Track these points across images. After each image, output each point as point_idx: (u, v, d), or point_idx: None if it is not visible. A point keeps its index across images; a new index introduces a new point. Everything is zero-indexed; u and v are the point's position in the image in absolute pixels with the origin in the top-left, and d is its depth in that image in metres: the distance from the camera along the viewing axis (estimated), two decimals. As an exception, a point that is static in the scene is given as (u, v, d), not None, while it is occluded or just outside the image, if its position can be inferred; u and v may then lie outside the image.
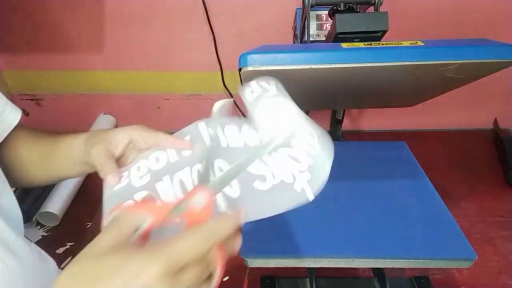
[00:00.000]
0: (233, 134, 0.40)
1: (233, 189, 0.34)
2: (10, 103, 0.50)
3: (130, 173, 0.40)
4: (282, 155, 0.36)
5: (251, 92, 0.41)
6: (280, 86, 0.42)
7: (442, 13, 0.94)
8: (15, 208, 0.46)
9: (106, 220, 0.31)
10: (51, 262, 0.46)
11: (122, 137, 0.43)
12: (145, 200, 0.32)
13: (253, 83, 0.42)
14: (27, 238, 0.44)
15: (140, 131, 0.42)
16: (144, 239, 0.29)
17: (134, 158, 0.43)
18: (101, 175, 0.41)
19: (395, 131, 1.11)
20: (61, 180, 0.54)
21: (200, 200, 0.30)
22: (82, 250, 0.28)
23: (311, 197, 0.34)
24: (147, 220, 0.29)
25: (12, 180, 0.49)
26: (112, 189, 0.39)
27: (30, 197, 0.82)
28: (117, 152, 0.43)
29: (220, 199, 0.33)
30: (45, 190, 0.84)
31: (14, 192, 0.47)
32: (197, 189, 0.31)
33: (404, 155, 0.76)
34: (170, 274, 0.26)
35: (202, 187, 0.31)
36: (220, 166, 0.37)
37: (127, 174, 0.40)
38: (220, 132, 0.40)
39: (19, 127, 0.54)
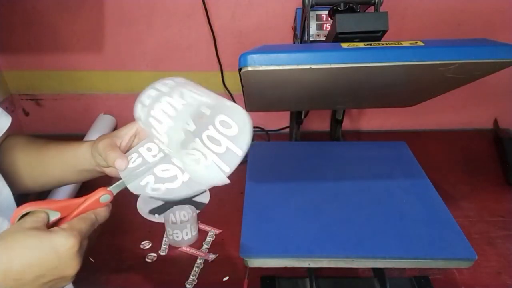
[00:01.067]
0: None
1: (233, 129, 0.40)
2: (0, 109, 0.51)
3: (141, 153, 0.45)
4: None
5: (142, 107, 0.46)
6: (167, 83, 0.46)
7: (442, 13, 0.94)
8: (11, 202, 0.46)
9: (21, 212, 0.37)
10: None
11: (127, 130, 0.46)
12: (53, 200, 0.40)
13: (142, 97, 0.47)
14: None
15: None
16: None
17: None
18: (109, 162, 0.43)
19: (395, 131, 1.11)
20: (59, 186, 0.56)
21: (106, 198, 0.40)
22: (7, 229, 0.35)
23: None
24: (55, 215, 0.37)
25: (14, 186, 0.50)
26: (127, 170, 0.43)
27: (30, 197, 0.82)
28: (123, 144, 0.46)
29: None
30: (45, 190, 0.84)
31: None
32: (101, 190, 0.40)
33: (404, 155, 0.76)
34: (80, 246, 0.35)
35: (105, 189, 0.40)
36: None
37: (137, 156, 0.44)
38: None
39: (15, 135, 0.55)
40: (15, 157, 0.52)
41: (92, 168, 0.49)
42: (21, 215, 0.36)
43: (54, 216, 0.37)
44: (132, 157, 0.44)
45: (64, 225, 0.37)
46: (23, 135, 0.56)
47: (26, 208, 0.36)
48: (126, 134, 0.46)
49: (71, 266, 0.35)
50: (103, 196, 0.39)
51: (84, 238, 0.37)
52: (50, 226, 0.37)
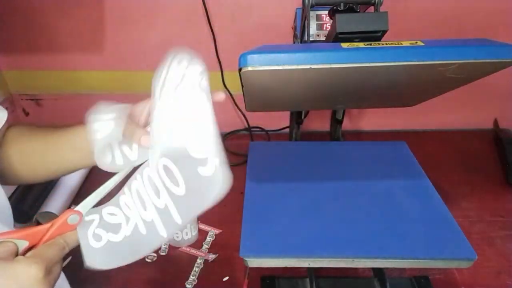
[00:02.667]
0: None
1: (180, 188, 0.37)
2: None
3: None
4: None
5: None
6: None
7: (442, 13, 0.94)
8: (4, 201, 0.46)
9: None
10: None
11: (141, 108, 0.45)
12: (18, 230, 0.37)
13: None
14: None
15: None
16: None
17: None
18: (135, 139, 0.41)
19: (395, 131, 1.11)
20: (71, 171, 0.54)
21: (74, 219, 0.38)
22: None
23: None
24: (23, 244, 0.36)
25: (11, 179, 0.49)
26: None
27: (30, 197, 0.82)
28: (141, 122, 0.44)
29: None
30: (45, 190, 0.84)
31: (14, 192, 0.47)
32: (68, 211, 0.38)
33: (404, 155, 0.76)
34: (46, 275, 0.34)
35: (71, 210, 0.38)
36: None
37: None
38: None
39: (13, 126, 0.54)
40: (17, 148, 0.51)
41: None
42: None
43: (23, 245, 0.36)
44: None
45: (28, 253, 0.35)
46: (25, 124, 0.55)
47: None
48: (142, 112, 0.44)
49: None
50: (70, 217, 0.38)
51: (52, 264, 0.35)
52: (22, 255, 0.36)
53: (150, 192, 0.38)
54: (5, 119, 0.50)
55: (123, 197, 0.40)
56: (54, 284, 0.35)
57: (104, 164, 0.41)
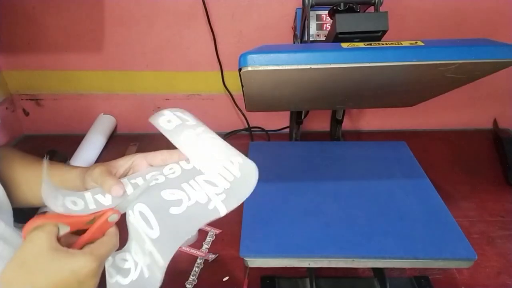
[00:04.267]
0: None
1: (154, 231, 0.39)
2: None
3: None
4: (199, 182, 0.42)
5: (168, 122, 0.46)
6: (194, 117, 0.47)
7: (442, 13, 0.94)
8: (3, 198, 0.46)
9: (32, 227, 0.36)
10: None
11: (123, 162, 0.46)
12: (63, 215, 0.39)
13: (167, 113, 0.47)
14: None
15: (143, 154, 0.46)
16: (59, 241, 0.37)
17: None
18: (105, 188, 0.42)
19: (395, 131, 1.11)
20: (40, 206, 0.55)
21: (114, 217, 0.39)
22: (19, 251, 0.35)
23: (223, 213, 0.40)
24: (64, 229, 0.37)
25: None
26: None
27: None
28: (117, 174, 0.45)
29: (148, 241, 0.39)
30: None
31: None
32: (111, 210, 0.39)
33: (404, 155, 0.76)
34: (99, 270, 0.36)
35: (113, 209, 0.39)
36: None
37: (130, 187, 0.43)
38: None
39: (6, 148, 0.54)
40: (10, 175, 0.51)
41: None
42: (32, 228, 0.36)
43: (63, 230, 0.37)
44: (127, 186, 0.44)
45: (85, 249, 0.37)
46: (13, 150, 0.55)
47: (37, 222, 0.36)
48: (121, 166, 0.45)
49: (89, 286, 0.36)
50: (112, 216, 0.39)
51: (104, 261, 0.37)
52: (62, 239, 0.37)
53: (139, 238, 0.39)
54: None
55: (134, 242, 0.42)
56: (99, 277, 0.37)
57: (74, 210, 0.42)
